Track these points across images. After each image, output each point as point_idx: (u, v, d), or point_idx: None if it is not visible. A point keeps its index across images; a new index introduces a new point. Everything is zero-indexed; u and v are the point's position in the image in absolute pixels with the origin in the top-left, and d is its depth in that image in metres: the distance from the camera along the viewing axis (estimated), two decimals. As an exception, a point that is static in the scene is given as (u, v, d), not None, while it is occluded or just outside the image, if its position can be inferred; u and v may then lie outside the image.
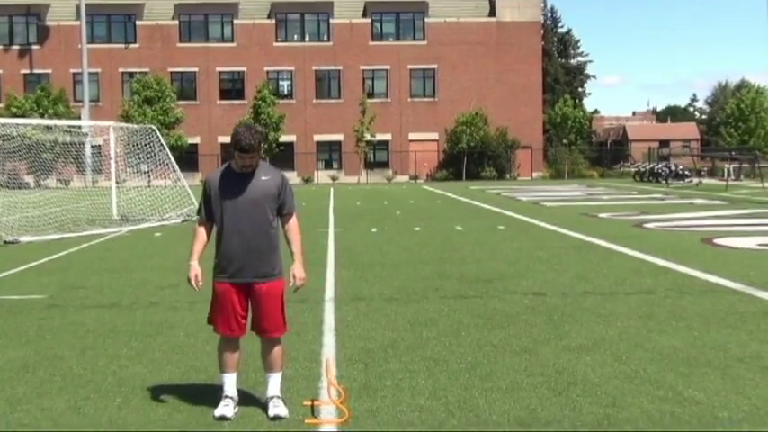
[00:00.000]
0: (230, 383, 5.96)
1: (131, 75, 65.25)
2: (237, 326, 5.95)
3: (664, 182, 49.74)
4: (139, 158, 27.73)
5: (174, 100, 61.74)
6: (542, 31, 77.41)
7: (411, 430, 5.49)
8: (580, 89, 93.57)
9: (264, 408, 5.89)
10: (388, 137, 66.50)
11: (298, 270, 6.01)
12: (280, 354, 6.04)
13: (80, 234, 20.02)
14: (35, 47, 66.78)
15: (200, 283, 6.01)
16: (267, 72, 66.80)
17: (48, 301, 10.68)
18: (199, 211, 6.15)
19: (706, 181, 50.71)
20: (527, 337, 8.14)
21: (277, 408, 5.81)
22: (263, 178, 5.89)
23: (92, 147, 33.30)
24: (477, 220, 23.77)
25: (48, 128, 28.68)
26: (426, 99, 68.04)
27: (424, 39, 68.11)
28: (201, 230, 6.07)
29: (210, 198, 5.96)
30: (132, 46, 67.02)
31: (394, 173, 65.61)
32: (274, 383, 5.96)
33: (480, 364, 7.14)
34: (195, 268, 6.02)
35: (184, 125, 61.93)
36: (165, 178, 29.27)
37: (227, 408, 5.81)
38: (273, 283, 5.94)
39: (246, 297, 5.93)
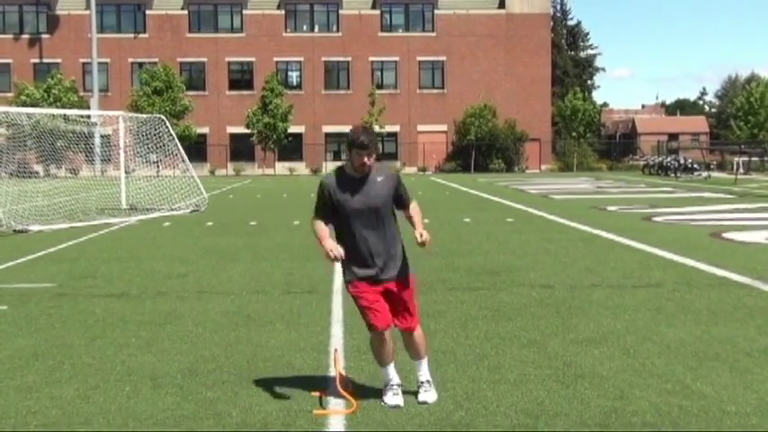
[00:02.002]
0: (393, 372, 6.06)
1: (141, 65, 65.35)
2: (386, 317, 5.93)
3: (672, 175, 49.63)
4: (148, 148, 27.77)
5: (182, 90, 61.76)
6: (552, 24, 77.18)
7: (418, 422, 5.50)
8: (589, 82, 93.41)
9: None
10: (396, 128, 66.47)
11: (420, 230, 6.02)
12: (423, 341, 6.12)
13: (89, 223, 20.08)
14: (45, 36, 66.89)
15: (341, 253, 5.88)
16: (276, 63, 66.82)
17: (57, 290, 10.72)
18: (316, 212, 6.07)
19: (715, 174, 50.58)
20: (535, 329, 8.14)
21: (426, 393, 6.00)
22: (379, 179, 5.92)
23: (101, 136, 33.33)
24: (485, 212, 23.76)
25: (64, 117, 28.72)
26: (435, 91, 67.99)
27: (433, 30, 68.01)
28: (320, 223, 6.03)
29: (328, 202, 5.95)
30: (142, 36, 67.08)
31: (402, 164, 65.58)
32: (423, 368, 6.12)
33: (488, 356, 7.15)
34: (331, 243, 5.90)
35: (193, 115, 62.00)
36: (173, 168, 29.34)
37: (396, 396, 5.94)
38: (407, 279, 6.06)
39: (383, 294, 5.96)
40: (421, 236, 5.98)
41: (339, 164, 6.04)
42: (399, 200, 6.05)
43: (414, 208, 6.19)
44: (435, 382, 6.16)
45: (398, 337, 6.05)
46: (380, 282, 5.91)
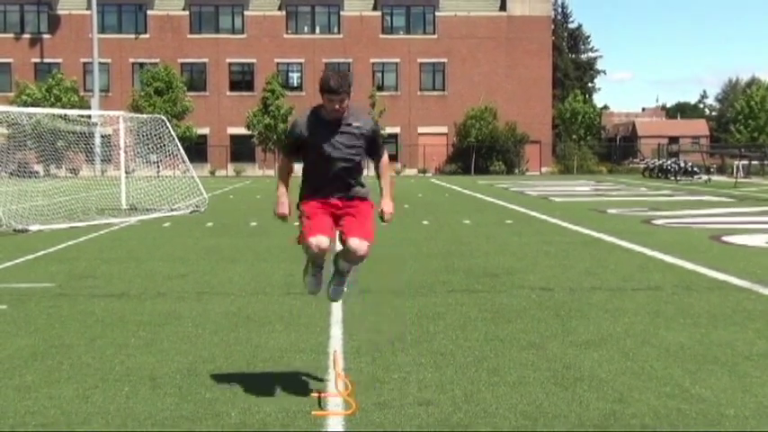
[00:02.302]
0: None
1: (141, 65, 65.41)
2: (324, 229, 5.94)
3: (673, 178, 49.64)
4: (149, 149, 27.76)
5: (183, 91, 61.77)
6: (553, 26, 77.28)
7: (417, 423, 5.50)
8: (590, 84, 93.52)
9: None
10: (397, 130, 66.51)
11: (386, 205, 6.07)
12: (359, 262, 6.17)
13: (89, 223, 20.08)
14: (46, 36, 66.97)
15: (285, 214, 5.99)
16: (277, 64, 66.91)
17: (56, 290, 10.72)
18: (284, 150, 6.12)
19: (715, 178, 50.58)
20: (534, 331, 8.14)
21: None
22: (355, 124, 5.89)
23: (101, 136, 33.34)
24: (485, 214, 23.77)
25: (64, 117, 28.73)
26: (436, 93, 68.07)
27: (434, 32, 68.10)
28: (285, 165, 6.09)
29: (299, 142, 5.95)
30: (143, 36, 67.16)
31: (402, 166, 65.64)
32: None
33: (487, 358, 7.15)
34: (285, 203, 6.02)
35: (194, 116, 62.04)
36: (174, 169, 29.32)
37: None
38: (363, 202, 6.05)
39: (333, 216, 5.97)
40: (384, 213, 6.07)
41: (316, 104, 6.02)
42: (371, 150, 6.02)
43: (384, 165, 6.17)
44: (435, 383, 6.16)
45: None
46: (331, 201, 5.94)
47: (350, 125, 5.89)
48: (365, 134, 5.96)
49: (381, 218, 6.15)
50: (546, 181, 52.06)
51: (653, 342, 7.68)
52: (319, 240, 5.88)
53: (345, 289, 6.34)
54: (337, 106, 5.75)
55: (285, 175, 6.17)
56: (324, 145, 5.84)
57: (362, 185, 6.11)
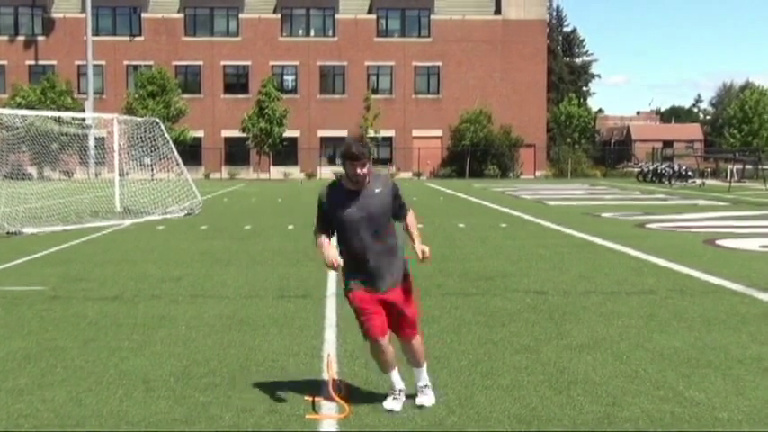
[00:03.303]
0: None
1: (136, 68, 65.25)
2: (383, 326, 5.93)
3: (667, 182, 49.71)
4: (143, 151, 27.74)
5: (177, 93, 61.69)
6: (547, 30, 77.36)
7: (411, 426, 5.50)
8: (585, 88, 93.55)
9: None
10: (391, 133, 66.48)
11: (421, 246, 6.05)
12: (421, 349, 6.14)
13: (83, 226, 20.05)
14: (40, 38, 66.82)
15: (339, 261, 5.89)
16: (272, 67, 66.80)
17: (50, 293, 10.70)
18: (317, 225, 6.06)
19: (709, 182, 50.67)
20: (528, 335, 8.15)
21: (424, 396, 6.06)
22: (377, 191, 5.89)
23: (95, 139, 33.30)
24: (479, 217, 23.78)
25: (58, 120, 28.70)
26: (431, 96, 68.04)
27: (429, 36, 68.08)
28: (322, 236, 6.03)
29: (327, 215, 5.97)
30: (137, 39, 67.04)
31: (397, 169, 65.60)
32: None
33: (481, 361, 7.15)
34: (331, 251, 5.90)
35: (188, 119, 61.90)
36: (168, 171, 29.29)
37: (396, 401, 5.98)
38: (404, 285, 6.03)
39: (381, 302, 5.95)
40: (423, 252, 6.02)
41: (335, 170, 6.03)
42: (397, 212, 6.04)
43: (411, 218, 6.19)
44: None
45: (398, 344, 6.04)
46: (380, 292, 5.89)
47: (374, 191, 5.90)
48: (389, 193, 5.96)
49: (422, 258, 6.08)
50: (540, 184, 52.13)
51: (647, 345, 7.69)
52: (382, 343, 5.91)
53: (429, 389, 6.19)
54: (359, 170, 5.76)
55: (324, 239, 6.13)
56: (349, 215, 5.86)
57: (400, 261, 6.06)
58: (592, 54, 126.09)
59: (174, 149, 26.78)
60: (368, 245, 5.84)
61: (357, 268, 5.91)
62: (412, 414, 5.73)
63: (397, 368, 6.04)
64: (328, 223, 5.97)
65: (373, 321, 5.85)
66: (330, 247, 5.92)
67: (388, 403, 5.93)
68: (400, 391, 6.00)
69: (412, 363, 6.14)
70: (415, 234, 6.15)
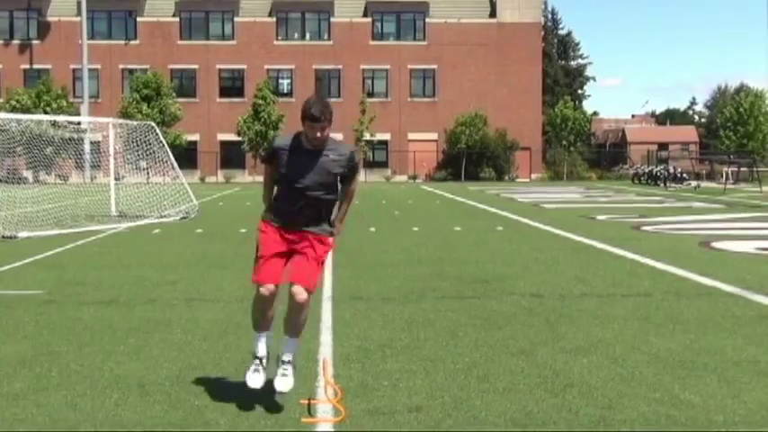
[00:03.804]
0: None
1: (131, 71, 65.27)
2: (275, 275, 5.95)
3: (662, 185, 49.78)
4: (138, 155, 27.71)
5: (172, 97, 61.65)
6: (543, 33, 77.48)
7: (407, 430, 5.50)
8: (580, 91, 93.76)
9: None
10: (387, 136, 66.54)
11: (338, 225, 6.13)
12: (304, 315, 6.07)
13: (78, 230, 20.02)
14: (35, 42, 66.83)
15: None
16: (267, 70, 66.87)
17: (45, 297, 10.68)
18: (264, 158, 6.10)
19: (704, 184, 50.73)
20: (524, 338, 8.15)
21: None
22: (332, 157, 5.87)
23: (91, 143, 33.25)
24: (475, 220, 23.78)
25: (53, 123, 28.67)
26: (426, 99, 68.13)
27: (424, 39, 68.19)
28: (269, 174, 6.10)
29: (273, 156, 5.98)
30: (133, 42, 67.07)
31: (393, 173, 65.69)
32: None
33: (477, 364, 7.15)
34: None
35: (184, 122, 61.88)
36: (163, 175, 29.27)
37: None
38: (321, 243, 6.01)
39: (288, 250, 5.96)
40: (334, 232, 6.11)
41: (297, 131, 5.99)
42: (345, 181, 6.04)
43: (350, 193, 6.16)
44: (425, 390, 6.15)
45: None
46: (290, 230, 5.91)
47: (327, 156, 5.87)
48: (341, 164, 5.93)
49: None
50: (536, 187, 52.14)
51: (642, 348, 7.69)
52: (268, 288, 5.90)
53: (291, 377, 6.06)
54: (318, 134, 5.73)
55: (269, 190, 6.17)
56: (296, 175, 5.85)
57: (328, 223, 6.08)
58: (587, 57, 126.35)
59: (170, 153, 26.76)
60: (304, 200, 5.86)
61: (281, 209, 5.94)
62: (408, 417, 5.72)
63: (267, 334, 6.07)
64: (272, 164, 5.98)
65: (267, 266, 5.87)
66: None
67: (249, 377, 5.95)
68: (262, 359, 6.01)
69: (288, 328, 6.08)
70: (343, 208, 6.18)
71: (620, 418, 5.69)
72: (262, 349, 6.07)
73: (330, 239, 6.09)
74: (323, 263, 6.11)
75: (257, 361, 6.03)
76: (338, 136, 6.27)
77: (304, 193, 5.86)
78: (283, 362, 6.01)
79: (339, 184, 6.06)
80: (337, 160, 5.90)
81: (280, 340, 6.24)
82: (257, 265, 5.97)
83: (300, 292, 5.91)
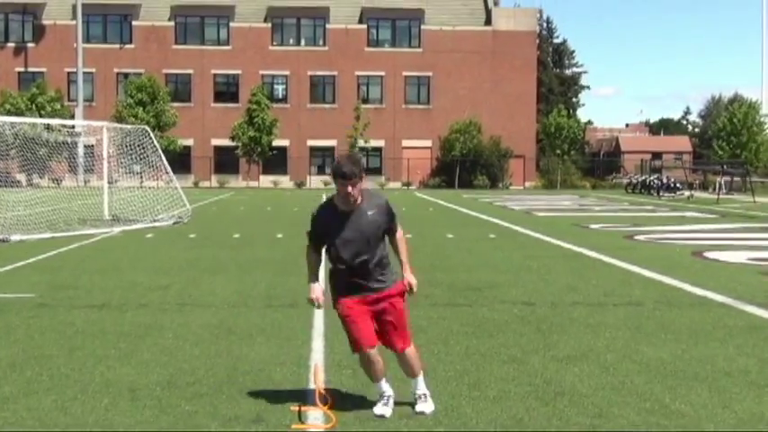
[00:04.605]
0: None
1: (126, 75, 65.16)
2: (371, 336, 5.97)
3: (655, 194, 49.84)
4: (132, 159, 27.67)
5: (167, 101, 61.58)
6: (538, 41, 77.61)
7: (398, 437, 5.50)
8: (574, 99, 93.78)
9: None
10: (381, 143, 66.52)
11: (411, 278, 6.15)
12: (416, 359, 6.16)
13: (71, 234, 19.98)
14: (30, 45, 66.70)
15: (321, 301, 6.07)
16: (262, 75, 66.80)
17: (37, 301, 10.66)
18: (310, 240, 6.12)
19: (697, 194, 50.82)
20: (515, 346, 8.15)
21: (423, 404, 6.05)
22: (370, 213, 5.91)
23: (84, 146, 33.20)
24: (468, 228, 23.80)
25: (47, 127, 28.63)
26: (420, 106, 68.15)
27: (419, 46, 68.23)
28: (313, 254, 6.13)
29: (319, 236, 6.02)
30: (128, 46, 66.98)
31: (386, 179, 65.66)
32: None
33: (468, 372, 7.15)
34: (317, 288, 6.07)
35: (178, 127, 61.80)
36: (157, 180, 29.23)
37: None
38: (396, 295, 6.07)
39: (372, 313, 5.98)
40: (409, 285, 6.13)
41: (324, 179, 6.03)
42: (389, 231, 6.08)
43: (400, 238, 6.21)
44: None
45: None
46: (368, 296, 5.91)
47: (367, 214, 5.91)
48: (382, 216, 5.99)
49: (410, 290, 6.14)
50: (529, 195, 52.22)
51: (634, 357, 7.71)
52: (369, 354, 5.92)
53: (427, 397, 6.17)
54: (350, 189, 5.76)
55: (314, 265, 6.18)
56: (345, 246, 5.88)
57: (390, 269, 6.12)
58: (581, 66, 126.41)
59: (164, 157, 26.74)
60: (359, 262, 5.87)
61: (346, 279, 5.91)
62: (399, 424, 5.73)
63: (385, 377, 6.04)
64: (320, 241, 6.00)
65: (360, 332, 5.85)
66: (317, 283, 6.04)
67: (378, 409, 5.95)
68: (389, 397, 6.01)
69: (407, 374, 6.15)
70: (405, 260, 6.21)
71: (610, 427, 5.69)
72: (387, 389, 6.07)
73: (401, 284, 6.11)
74: (405, 311, 6.14)
75: (384, 399, 6.04)
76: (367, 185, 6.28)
77: (361, 259, 5.88)
78: (419, 396, 6.08)
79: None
80: (377, 214, 5.94)
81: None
82: (353, 336, 5.92)
83: (403, 353, 6.05)
